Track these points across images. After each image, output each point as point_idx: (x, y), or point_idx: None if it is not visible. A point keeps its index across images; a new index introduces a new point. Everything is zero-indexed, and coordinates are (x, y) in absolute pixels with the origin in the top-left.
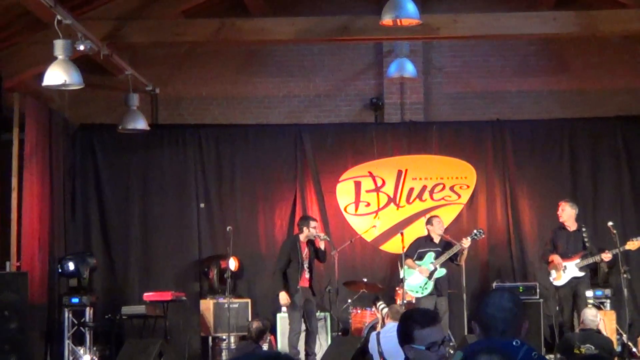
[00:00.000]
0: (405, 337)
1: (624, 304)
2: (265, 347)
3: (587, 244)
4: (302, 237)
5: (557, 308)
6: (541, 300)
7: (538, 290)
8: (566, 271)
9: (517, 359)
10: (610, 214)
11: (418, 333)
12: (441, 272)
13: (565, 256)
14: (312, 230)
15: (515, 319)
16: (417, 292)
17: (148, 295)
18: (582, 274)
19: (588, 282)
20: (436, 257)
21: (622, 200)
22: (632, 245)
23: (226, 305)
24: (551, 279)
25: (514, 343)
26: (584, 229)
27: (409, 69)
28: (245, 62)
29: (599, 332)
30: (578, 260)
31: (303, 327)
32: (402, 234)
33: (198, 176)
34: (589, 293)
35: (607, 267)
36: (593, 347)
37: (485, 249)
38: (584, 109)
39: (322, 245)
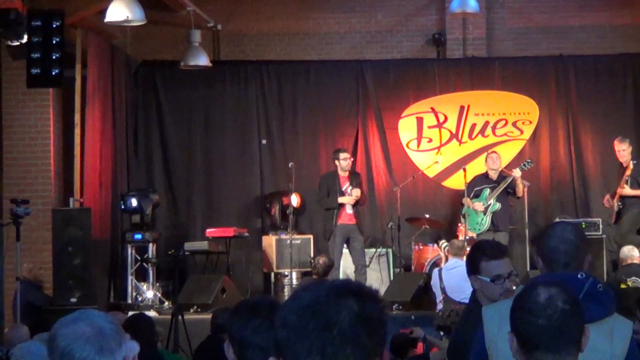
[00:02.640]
0: (472, 267)
1: None
2: None
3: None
4: (339, 171)
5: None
6: (604, 236)
7: (601, 227)
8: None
9: (582, 292)
10: None
11: (485, 265)
12: (495, 206)
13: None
14: (342, 162)
15: (578, 251)
16: (474, 229)
17: (211, 232)
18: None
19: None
20: (491, 192)
21: None
22: None
23: (288, 241)
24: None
25: (579, 276)
26: (632, 165)
27: (472, 4)
28: None
29: None
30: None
31: (341, 263)
32: (464, 169)
33: (260, 112)
34: None
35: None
36: (639, 280)
37: (548, 185)
38: None
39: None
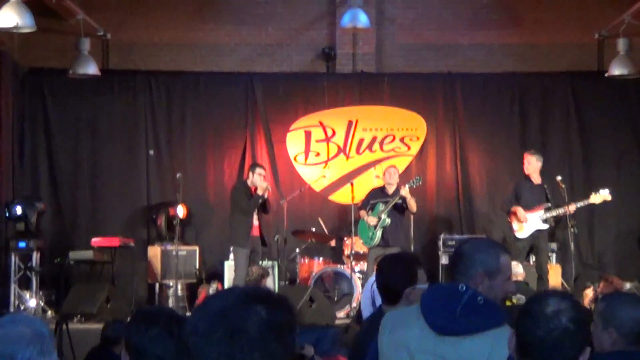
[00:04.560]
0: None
1: (569, 258)
2: None
3: (548, 196)
4: (249, 183)
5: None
6: None
7: None
8: (528, 223)
9: (461, 304)
10: (559, 168)
11: (420, 273)
12: (385, 221)
13: (528, 208)
14: (257, 177)
15: (464, 265)
16: (366, 242)
17: (96, 241)
18: (545, 226)
19: (547, 236)
20: (384, 207)
21: (570, 156)
22: (595, 198)
23: (174, 252)
24: (514, 230)
25: (460, 288)
26: (546, 182)
27: (362, 19)
28: (198, 8)
29: (527, 283)
30: (541, 212)
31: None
32: (352, 184)
33: (148, 122)
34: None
35: (554, 221)
36: (524, 298)
37: (434, 201)
38: (535, 63)
39: (262, 194)
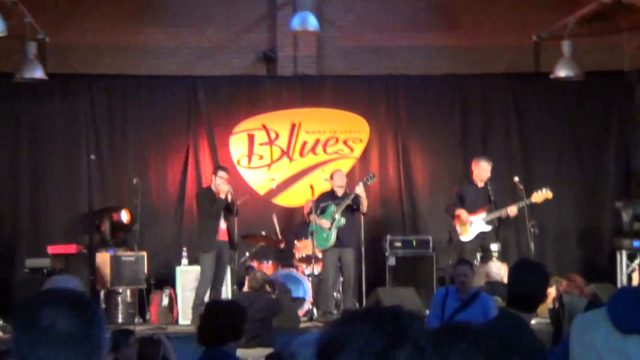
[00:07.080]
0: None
1: (512, 258)
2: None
3: (492, 198)
4: (212, 187)
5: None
6: (434, 254)
7: (431, 245)
8: (473, 226)
9: None
10: (499, 170)
11: None
12: (339, 221)
13: (472, 211)
14: (218, 180)
15: None
16: (320, 245)
17: (53, 248)
18: (488, 228)
19: (494, 237)
20: (336, 208)
21: (510, 156)
22: (537, 197)
23: (123, 259)
24: (458, 234)
25: None
26: (489, 184)
27: (312, 22)
28: (136, 10)
29: (504, 285)
30: (484, 215)
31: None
32: (311, 186)
33: (89, 127)
34: (493, 247)
35: (497, 221)
36: (500, 299)
37: (378, 203)
38: (473, 65)
39: (225, 197)
